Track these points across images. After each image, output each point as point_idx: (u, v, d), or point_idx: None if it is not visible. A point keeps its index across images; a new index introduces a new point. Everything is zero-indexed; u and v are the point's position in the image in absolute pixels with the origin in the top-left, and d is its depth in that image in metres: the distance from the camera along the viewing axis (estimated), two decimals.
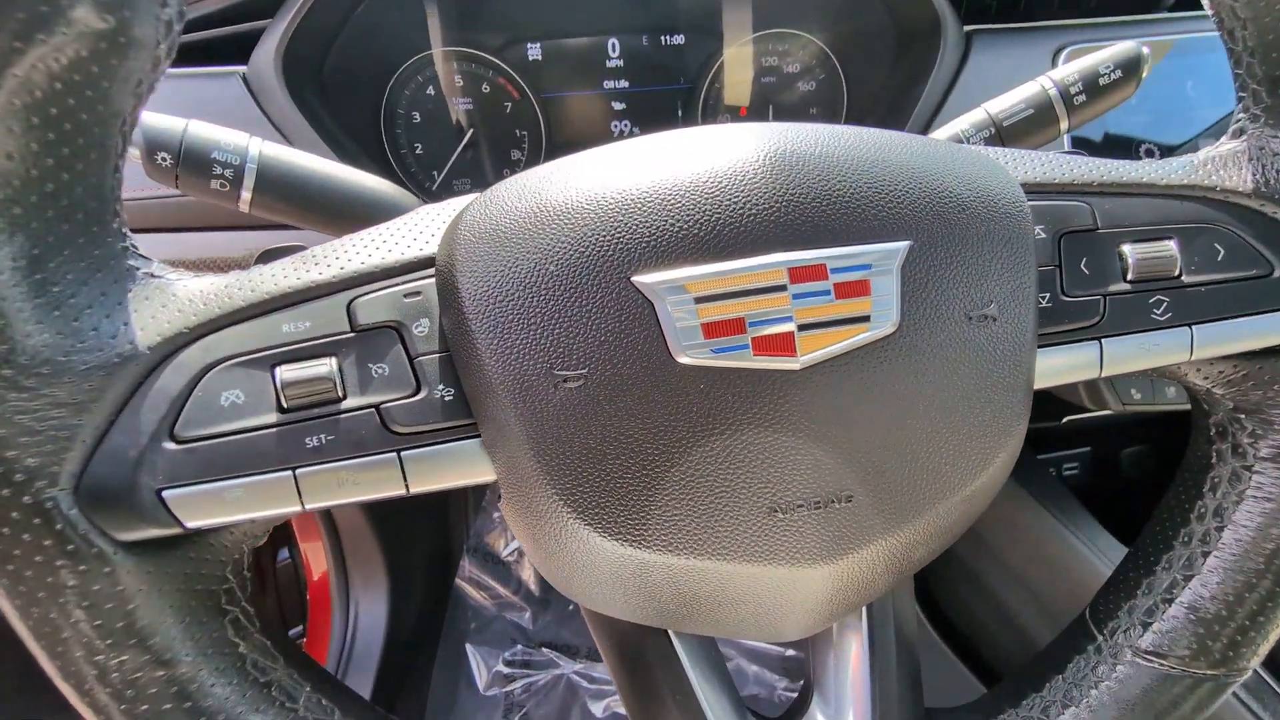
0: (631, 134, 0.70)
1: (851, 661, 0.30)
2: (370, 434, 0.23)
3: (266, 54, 0.50)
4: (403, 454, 0.23)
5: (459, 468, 0.24)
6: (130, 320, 0.21)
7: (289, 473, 0.22)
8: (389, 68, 0.61)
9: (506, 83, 0.65)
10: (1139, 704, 0.28)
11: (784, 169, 0.22)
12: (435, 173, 0.66)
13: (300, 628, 1.46)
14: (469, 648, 1.35)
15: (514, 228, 0.23)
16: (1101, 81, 0.37)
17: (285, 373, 0.22)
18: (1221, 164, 0.27)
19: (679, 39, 0.69)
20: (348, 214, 0.35)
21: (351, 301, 0.24)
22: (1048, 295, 0.26)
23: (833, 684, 0.31)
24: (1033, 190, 0.27)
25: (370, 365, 0.23)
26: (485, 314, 0.22)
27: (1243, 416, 0.28)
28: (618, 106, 0.70)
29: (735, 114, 0.70)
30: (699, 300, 0.21)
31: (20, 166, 0.18)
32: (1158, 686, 0.28)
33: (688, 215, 0.22)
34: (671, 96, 0.70)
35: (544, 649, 1.33)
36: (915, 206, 0.23)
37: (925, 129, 0.58)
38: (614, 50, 0.68)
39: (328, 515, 1.17)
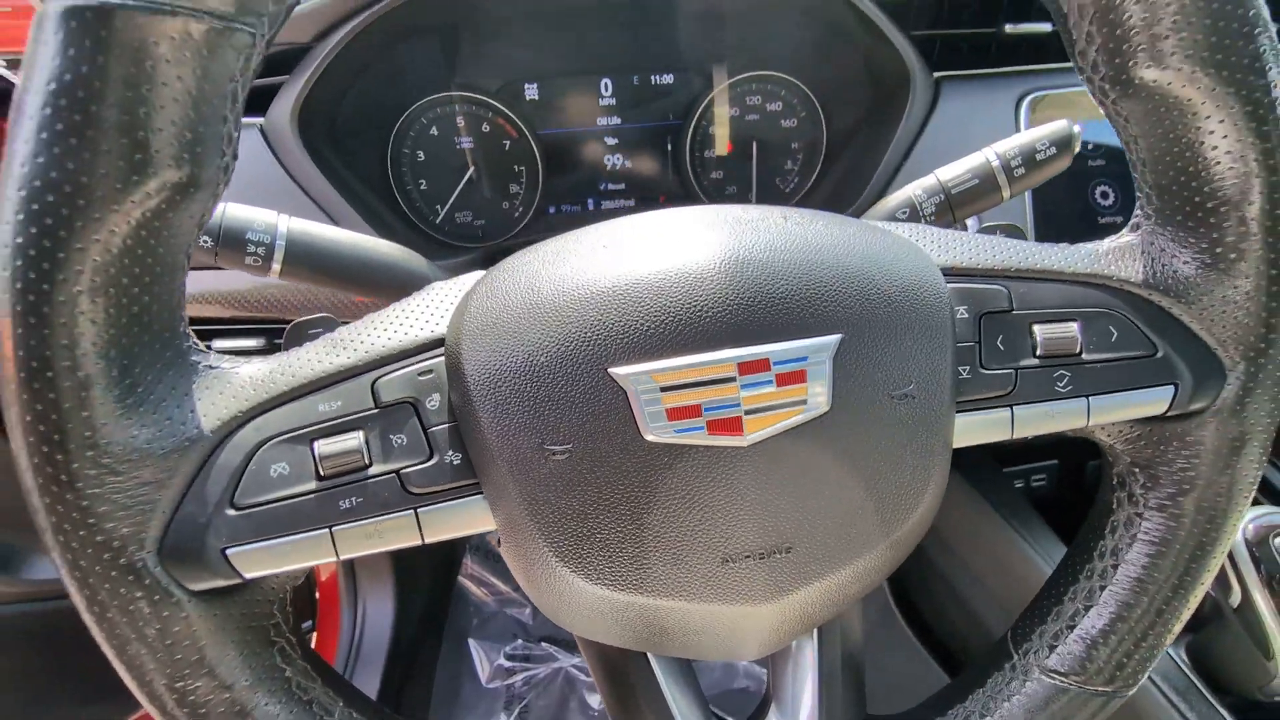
0: (624, 167, 0.75)
1: (803, 672, 0.35)
2: (392, 496, 0.27)
3: (283, 109, 0.54)
4: (419, 511, 0.28)
5: (465, 520, 0.28)
6: (196, 408, 0.26)
7: (326, 530, 0.26)
8: (395, 113, 0.66)
9: (505, 122, 0.70)
10: (1042, 715, 0.33)
11: (735, 275, 0.27)
12: (439, 207, 0.70)
13: (310, 623, 1.52)
14: (472, 642, 1.40)
15: (510, 321, 0.27)
16: (1038, 157, 0.42)
17: (322, 447, 0.27)
18: (1120, 255, 0.32)
19: (668, 78, 0.73)
20: (365, 279, 0.40)
21: (375, 381, 0.28)
22: (968, 367, 0.31)
23: (789, 692, 0.36)
24: (957, 274, 0.32)
25: (391, 436, 0.28)
26: (487, 397, 0.27)
27: (1137, 470, 0.33)
28: (610, 141, 0.74)
29: (722, 150, 0.74)
30: (664, 389, 0.26)
31: (109, 300, 0.23)
32: (1058, 701, 0.33)
33: (655, 318, 0.26)
34: (661, 133, 0.74)
35: (543, 643, 1.39)
36: (847, 304, 0.28)
37: (895, 173, 0.62)
38: (607, 89, 0.72)
39: None
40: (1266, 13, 0.27)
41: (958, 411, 0.30)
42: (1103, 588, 0.33)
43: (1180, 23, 0.26)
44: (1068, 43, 0.30)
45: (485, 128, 0.69)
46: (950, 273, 0.32)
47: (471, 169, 0.70)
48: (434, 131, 0.68)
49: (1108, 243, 0.33)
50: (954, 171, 0.44)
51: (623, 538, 0.27)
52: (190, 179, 0.23)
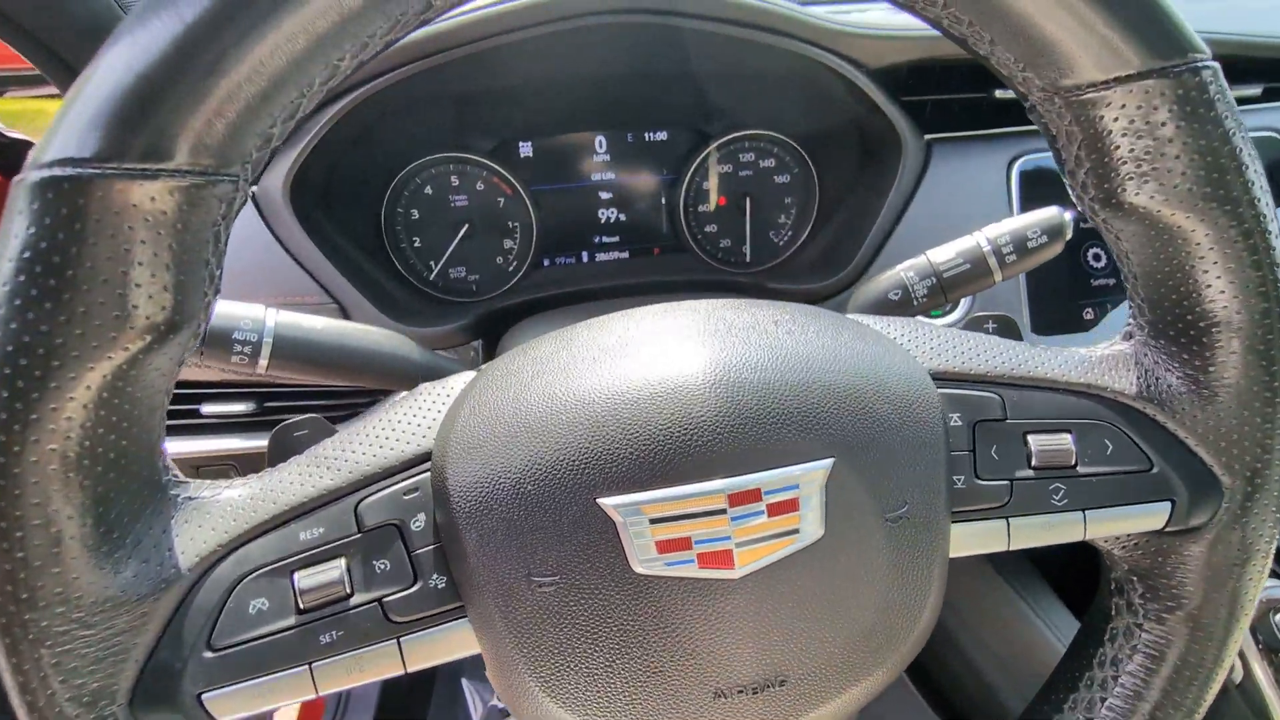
0: (618, 221, 0.75)
1: None
2: (374, 626, 0.27)
3: (276, 179, 0.54)
4: (401, 639, 0.27)
5: (450, 646, 0.28)
6: (174, 545, 0.25)
7: (305, 667, 0.26)
8: (390, 175, 0.66)
9: (499, 180, 0.70)
10: None
11: (726, 399, 0.26)
12: (433, 263, 0.70)
13: None
14: (465, 682, 1.38)
15: (497, 441, 0.27)
16: (1030, 244, 0.42)
17: (303, 579, 0.26)
18: (1112, 365, 0.31)
19: (662, 135, 0.73)
20: (354, 371, 0.39)
21: (359, 504, 0.28)
22: (963, 477, 0.31)
23: None
24: (949, 379, 0.31)
25: (374, 562, 0.27)
26: (473, 523, 0.26)
27: (1135, 579, 0.32)
28: (605, 196, 0.74)
29: (715, 204, 0.75)
30: (653, 521, 0.25)
31: (83, 453, 0.22)
32: None
33: (643, 445, 0.26)
34: (655, 186, 0.75)
35: None
36: (840, 427, 0.27)
37: (888, 235, 0.62)
38: (601, 146, 0.72)
39: None
40: (1253, 145, 0.27)
41: (953, 521, 0.30)
42: (1103, 699, 0.33)
43: (1170, 153, 0.26)
44: (1057, 160, 0.30)
45: (480, 186, 0.69)
46: (942, 378, 0.31)
47: (466, 226, 0.70)
48: (428, 191, 0.68)
49: (1101, 349, 0.32)
50: (945, 254, 0.44)
51: (611, 671, 0.26)
52: (169, 325, 0.23)
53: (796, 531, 0.26)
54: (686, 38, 0.60)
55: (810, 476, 0.27)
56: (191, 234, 0.22)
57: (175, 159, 0.21)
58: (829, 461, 0.27)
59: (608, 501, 0.26)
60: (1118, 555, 0.33)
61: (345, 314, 0.55)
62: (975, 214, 0.62)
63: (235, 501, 0.27)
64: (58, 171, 0.20)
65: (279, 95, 0.22)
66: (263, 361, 0.37)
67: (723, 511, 0.26)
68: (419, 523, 0.28)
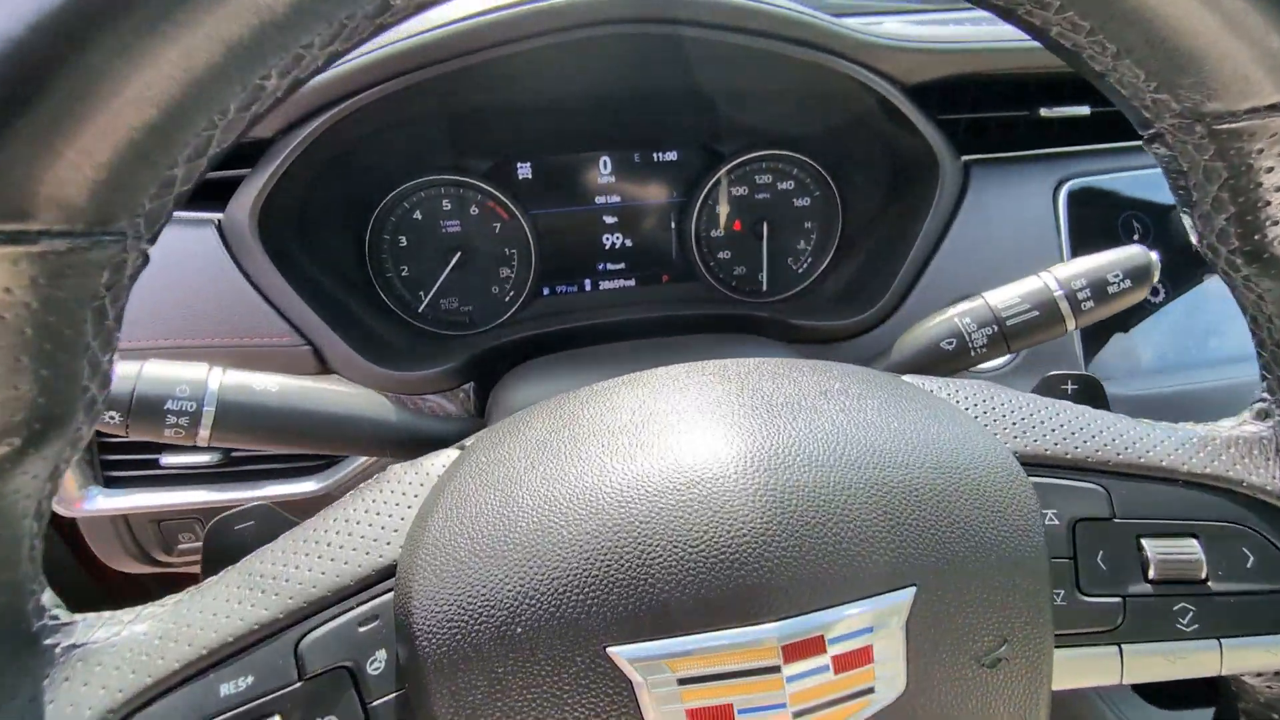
0: (623, 247, 0.69)
1: None
2: None
3: (242, 206, 0.48)
4: None
5: None
6: (44, 718, 0.19)
7: None
8: (374, 200, 0.60)
9: (495, 204, 0.64)
10: None
11: (771, 511, 0.20)
12: (422, 293, 0.64)
13: None
14: None
15: (479, 563, 0.21)
16: (1110, 289, 0.36)
17: None
18: (1246, 451, 0.25)
19: (672, 155, 0.67)
20: (316, 436, 0.33)
21: (300, 641, 0.22)
22: (1062, 592, 0.24)
23: None
24: (1040, 464, 0.25)
25: None
26: (446, 673, 0.20)
27: (1275, 716, 0.26)
28: (609, 220, 0.68)
29: (730, 229, 0.69)
30: (683, 682, 0.19)
31: None
32: None
33: (666, 577, 0.20)
34: (664, 210, 0.69)
35: None
36: (919, 543, 0.21)
37: (924, 265, 0.56)
38: (605, 167, 0.67)
39: None
40: None
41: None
42: None
43: None
44: (1183, 201, 0.24)
45: (474, 210, 0.64)
46: (1031, 463, 0.25)
47: (459, 253, 0.64)
48: (417, 216, 0.62)
49: (1227, 428, 0.26)
50: (1007, 298, 0.38)
51: None
52: (31, 435, 0.17)
53: (871, 691, 0.20)
54: (699, 50, 0.54)
55: (887, 613, 0.20)
56: (59, 314, 0.16)
57: (26, 218, 0.15)
58: (910, 592, 0.21)
59: (622, 653, 0.20)
60: (1254, 686, 0.27)
61: (319, 357, 0.49)
62: (1020, 244, 0.56)
63: (135, 645, 0.21)
64: None
65: (179, 128, 0.16)
66: (203, 433, 0.31)
67: (775, 669, 0.19)
68: (377, 664, 0.22)
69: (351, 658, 0.22)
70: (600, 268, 0.70)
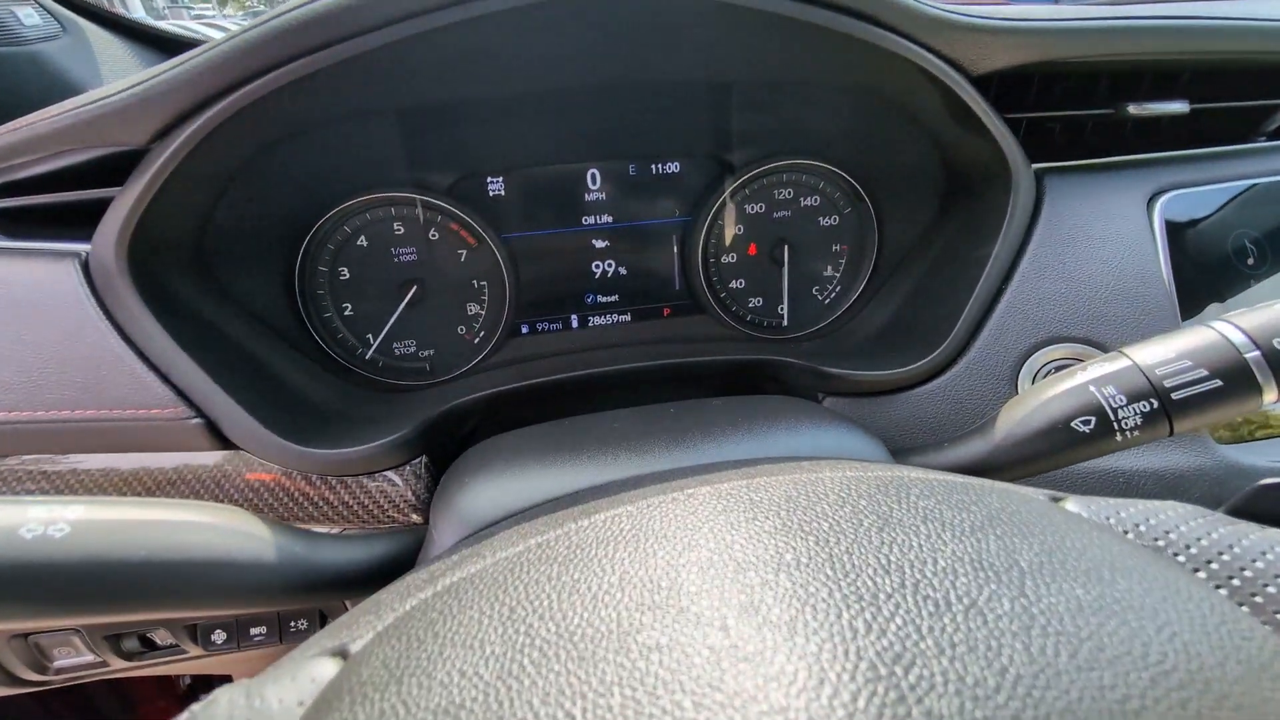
0: (616, 276, 0.58)
1: None
2: None
3: (108, 236, 0.36)
4: None
5: None
6: None
7: None
8: (305, 223, 0.48)
9: (459, 227, 0.52)
10: None
11: None
12: (370, 336, 0.53)
13: None
14: None
15: None
16: None
17: None
18: None
19: (673, 167, 0.56)
20: (136, 598, 0.21)
21: None
22: None
23: None
24: None
25: None
26: None
27: None
28: (599, 245, 0.57)
29: (744, 253, 0.58)
30: None
31: None
32: None
33: None
34: (666, 232, 0.58)
35: None
36: None
37: (995, 299, 0.45)
38: (594, 181, 0.55)
39: None
40: None
41: None
42: None
43: None
44: None
45: (433, 234, 0.52)
46: None
47: (414, 286, 0.52)
48: (362, 242, 0.51)
49: None
50: (1166, 358, 0.26)
51: None
52: None
53: None
54: (709, 28, 0.43)
55: None
56: None
57: None
58: None
59: None
60: None
61: (216, 432, 0.37)
62: (1112, 271, 0.45)
63: None
64: None
65: None
66: None
67: None
68: None
69: None
70: (589, 300, 0.58)
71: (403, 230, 0.51)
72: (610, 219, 0.57)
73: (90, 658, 0.47)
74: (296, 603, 0.25)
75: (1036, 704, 0.11)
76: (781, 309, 0.59)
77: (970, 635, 0.13)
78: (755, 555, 0.15)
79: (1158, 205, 0.46)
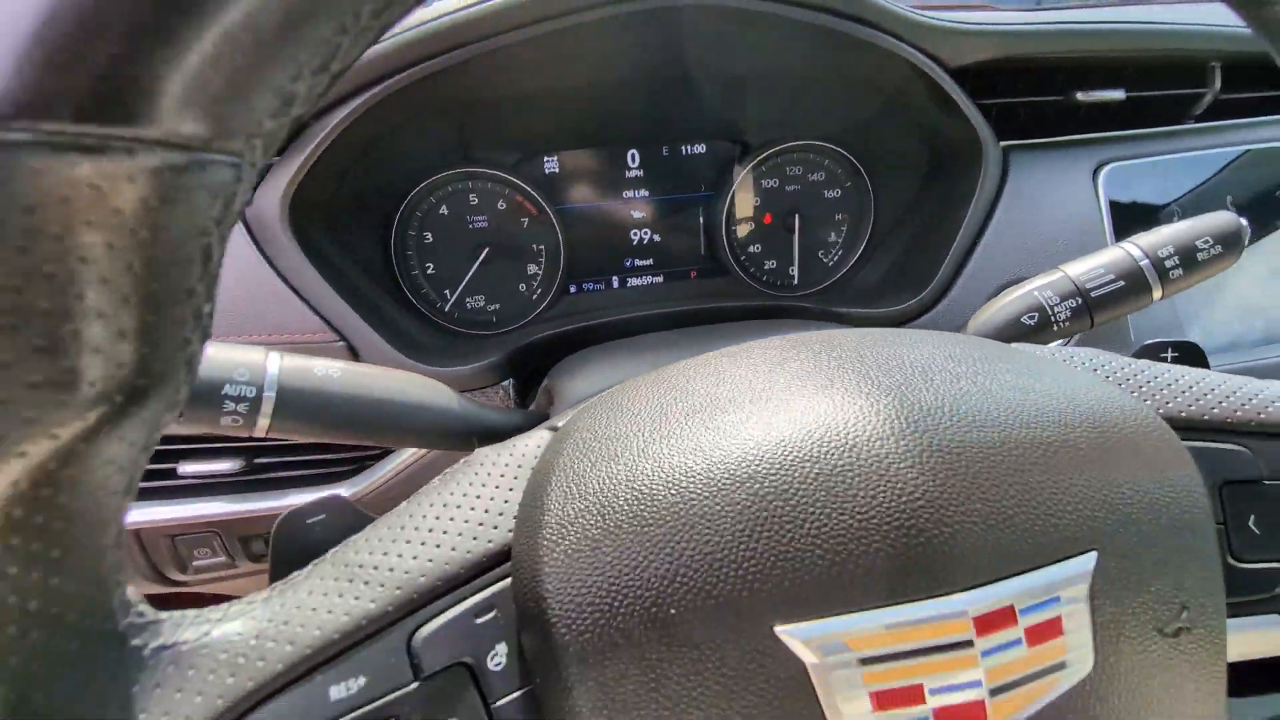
0: (651, 242, 0.67)
1: None
2: None
3: (272, 197, 0.46)
4: None
5: None
6: None
7: None
8: (400, 193, 0.58)
9: (523, 198, 0.62)
10: None
11: (942, 474, 0.18)
12: (448, 292, 0.62)
13: None
14: None
15: (614, 543, 0.18)
16: (1200, 257, 0.35)
17: None
18: None
19: (700, 148, 0.66)
20: (378, 426, 0.31)
21: (412, 637, 0.19)
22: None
23: None
24: (1180, 427, 0.24)
25: None
26: (590, 664, 0.18)
27: None
28: (637, 215, 0.67)
29: (760, 222, 0.68)
30: (864, 662, 0.17)
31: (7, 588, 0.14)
32: None
33: (838, 545, 0.18)
34: (692, 205, 0.68)
35: None
36: (1092, 506, 0.19)
37: (969, 251, 0.55)
38: (633, 161, 0.65)
39: None
40: None
41: None
42: None
43: None
44: None
45: (501, 204, 0.62)
46: (1176, 427, 0.24)
47: (486, 249, 0.62)
48: (444, 211, 0.60)
49: None
50: (1088, 269, 0.37)
51: None
52: (131, 392, 0.14)
53: (1063, 666, 0.18)
54: (732, 33, 0.53)
55: (1071, 580, 0.19)
56: (169, 248, 0.14)
57: (141, 121, 0.13)
58: (1091, 557, 0.19)
59: (792, 632, 0.17)
60: None
61: (355, 355, 0.47)
62: (1063, 227, 0.56)
63: (230, 645, 0.18)
64: None
65: (309, 26, 0.14)
66: (262, 421, 0.28)
67: (968, 643, 0.17)
68: (498, 659, 0.19)
69: (470, 653, 0.19)
70: (627, 264, 0.68)
71: (476, 201, 0.61)
72: (646, 193, 0.66)
73: (223, 559, 0.56)
74: (458, 447, 0.35)
75: (976, 425, 0.20)
76: (792, 270, 0.69)
77: (938, 391, 0.22)
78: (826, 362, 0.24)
79: (1101, 175, 0.57)
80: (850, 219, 0.68)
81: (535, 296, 0.65)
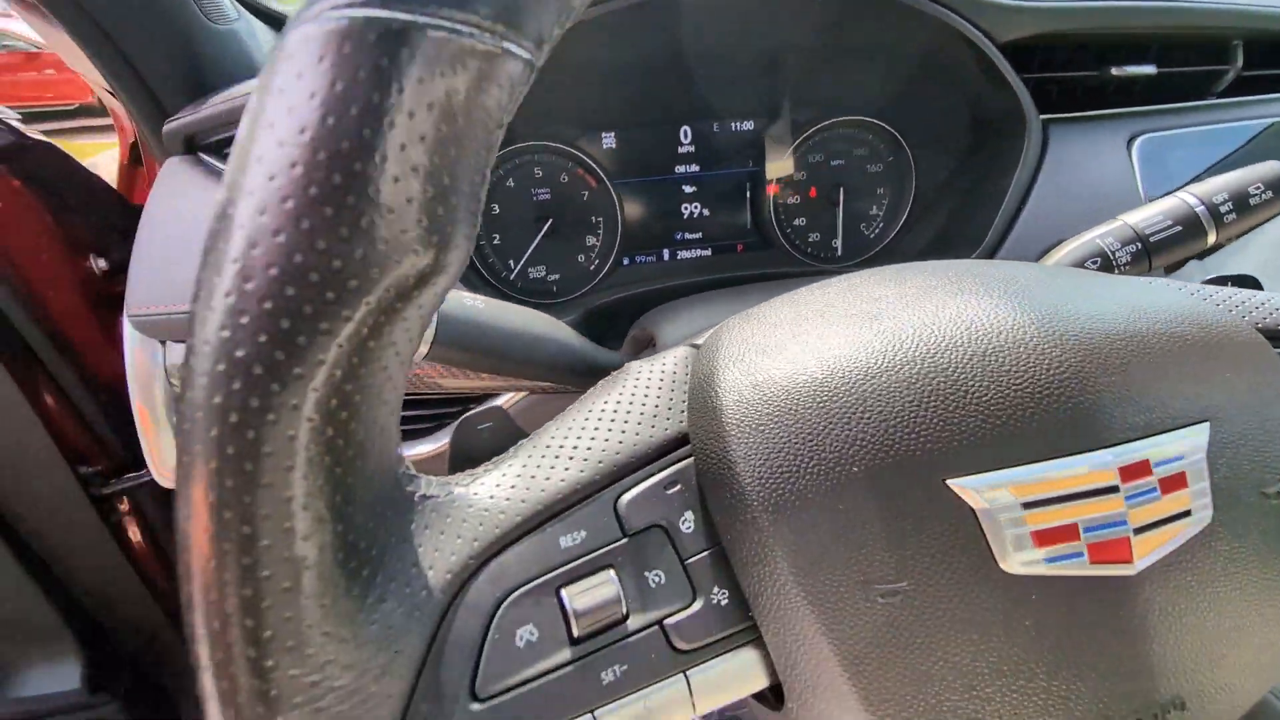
0: (700, 216, 0.70)
1: None
2: (659, 657, 0.21)
3: None
4: (689, 674, 0.21)
5: (743, 680, 0.22)
6: (419, 560, 0.19)
7: (590, 717, 0.19)
8: None
9: (585, 172, 0.65)
10: None
11: (1087, 352, 0.21)
12: (512, 262, 0.65)
13: None
14: None
15: (798, 421, 0.21)
16: (1252, 201, 0.38)
17: (574, 599, 0.20)
18: None
19: (749, 125, 0.69)
20: (518, 358, 0.33)
21: (617, 501, 0.22)
22: None
23: None
24: (1270, 338, 0.27)
25: (647, 574, 0.21)
26: (778, 521, 0.20)
27: None
28: (688, 190, 0.70)
29: (805, 196, 0.71)
30: (1026, 506, 0.20)
31: (326, 442, 0.16)
32: None
33: (1004, 410, 0.21)
34: (741, 180, 0.71)
35: None
36: (1207, 382, 0.22)
37: (1014, 219, 0.58)
38: (686, 137, 0.68)
39: None
40: None
41: None
42: None
43: None
44: None
45: (564, 178, 0.65)
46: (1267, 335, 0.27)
47: (549, 221, 0.64)
48: (510, 184, 0.63)
49: None
50: (1146, 216, 0.40)
51: (974, 703, 0.20)
52: (435, 262, 0.17)
53: (1189, 514, 0.21)
54: (784, 11, 0.56)
55: (1194, 444, 0.22)
56: (476, 132, 0.17)
57: (468, 6, 0.15)
58: (1205, 427, 0.22)
59: (964, 483, 0.20)
60: None
61: None
62: (1103, 194, 0.59)
63: (476, 501, 0.21)
64: (363, 12, 0.14)
65: None
66: (423, 348, 0.31)
67: (1114, 489, 0.20)
68: (688, 524, 0.22)
69: (664, 518, 0.22)
70: (678, 237, 0.71)
71: (540, 174, 0.64)
72: (697, 169, 0.69)
73: None
74: (574, 383, 0.37)
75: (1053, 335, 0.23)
76: (835, 243, 0.72)
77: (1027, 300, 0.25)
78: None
79: (1135, 144, 0.60)
80: (891, 191, 0.71)
81: (593, 267, 0.68)
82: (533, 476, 0.22)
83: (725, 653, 0.22)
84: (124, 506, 0.87)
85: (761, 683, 0.22)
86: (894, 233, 0.71)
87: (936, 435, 0.20)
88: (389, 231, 0.15)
